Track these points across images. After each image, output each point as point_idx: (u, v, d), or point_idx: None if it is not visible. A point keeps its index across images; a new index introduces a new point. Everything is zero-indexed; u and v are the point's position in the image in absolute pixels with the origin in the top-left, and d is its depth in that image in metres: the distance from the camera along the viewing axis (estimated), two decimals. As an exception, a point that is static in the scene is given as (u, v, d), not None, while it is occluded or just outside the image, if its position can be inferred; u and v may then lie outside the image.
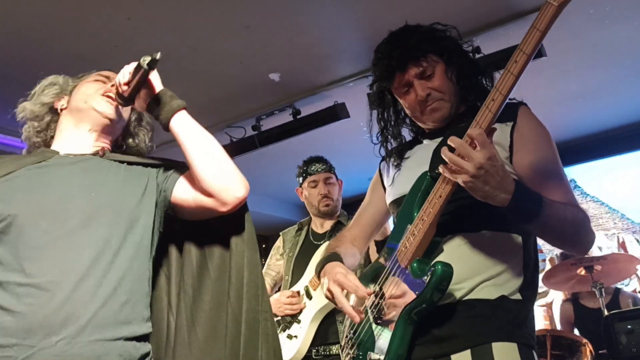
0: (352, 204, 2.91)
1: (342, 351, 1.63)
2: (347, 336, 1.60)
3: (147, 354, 1.24)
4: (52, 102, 1.47)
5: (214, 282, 1.34)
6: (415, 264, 1.35)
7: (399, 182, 1.58)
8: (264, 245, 6.89)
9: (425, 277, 1.31)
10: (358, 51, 3.79)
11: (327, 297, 1.48)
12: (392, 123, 1.62)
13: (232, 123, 4.61)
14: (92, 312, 1.14)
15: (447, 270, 1.29)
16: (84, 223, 1.23)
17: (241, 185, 1.32)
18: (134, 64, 1.32)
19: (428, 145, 1.54)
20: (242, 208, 1.37)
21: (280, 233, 3.09)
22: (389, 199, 1.62)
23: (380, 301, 1.44)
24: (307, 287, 2.73)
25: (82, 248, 1.20)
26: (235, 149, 4.54)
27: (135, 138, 1.55)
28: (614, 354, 3.06)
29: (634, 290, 4.03)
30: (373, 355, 1.44)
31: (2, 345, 1.08)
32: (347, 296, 1.45)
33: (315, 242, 2.87)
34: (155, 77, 1.36)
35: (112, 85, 1.42)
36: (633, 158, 5.10)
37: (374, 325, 1.46)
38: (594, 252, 3.89)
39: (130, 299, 1.22)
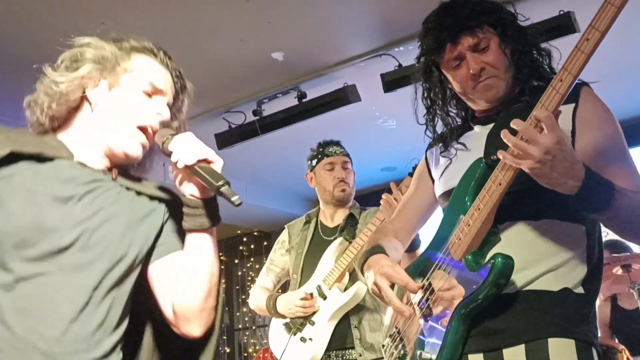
0: (364, 197, 3.01)
1: (384, 350, 1.67)
2: (390, 334, 1.64)
3: None
4: (87, 84, 1.31)
5: None
6: (470, 256, 1.37)
7: (450, 172, 1.60)
8: (265, 243, 6.94)
9: (483, 271, 1.33)
10: (370, 27, 3.81)
11: (372, 291, 1.49)
12: (440, 102, 1.63)
13: (231, 107, 4.61)
14: (83, 353, 1.19)
15: (508, 263, 1.30)
16: (80, 257, 1.21)
17: (200, 327, 1.32)
18: (216, 164, 1.25)
19: (480, 132, 1.57)
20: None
21: (286, 226, 3.08)
22: (439, 190, 1.64)
23: (429, 296, 1.47)
24: (319, 286, 2.76)
25: (74, 285, 1.20)
26: (234, 136, 4.59)
27: (153, 155, 1.46)
28: (653, 360, 3.11)
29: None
30: (424, 355, 1.46)
31: None
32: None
33: (326, 238, 2.88)
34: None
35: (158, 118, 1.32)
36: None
37: (422, 322, 1.49)
38: (635, 248, 3.93)
39: (118, 344, 1.27)
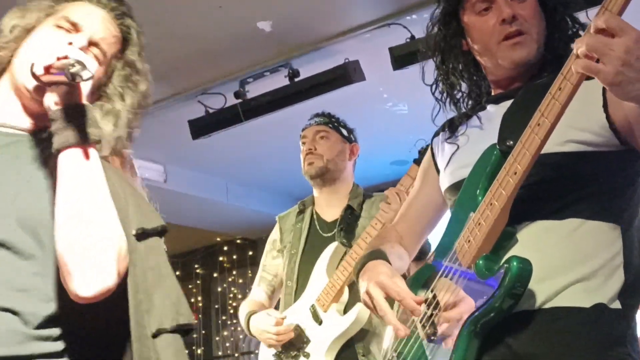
0: (371, 197, 2.84)
1: None
2: (388, 359, 1.62)
3: None
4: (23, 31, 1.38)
5: None
6: (481, 262, 1.36)
7: (458, 161, 1.57)
8: (250, 253, 6.86)
9: (495, 278, 1.32)
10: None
11: (364, 302, 1.48)
12: (459, 59, 1.59)
13: (208, 88, 4.56)
14: None
15: (525, 269, 1.29)
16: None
17: (91, 284, 1.20)
18: (68, 58, 1.21)
19: (495, 112, 1.53)
20: None
21: (277, 217, 2.97)
22: (444, 183, 1.62)
23: (434, 312, 1.46)
24: (313, 306, 2.65)
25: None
26: (212, 123, 4.55)
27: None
28: None
29: None
30: None
31: None
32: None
33: (324, 235, 2.76)
34: (85, 86, 1.29)
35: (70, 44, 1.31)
36: None
37: (425, 343, 1.48)
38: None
39: None
